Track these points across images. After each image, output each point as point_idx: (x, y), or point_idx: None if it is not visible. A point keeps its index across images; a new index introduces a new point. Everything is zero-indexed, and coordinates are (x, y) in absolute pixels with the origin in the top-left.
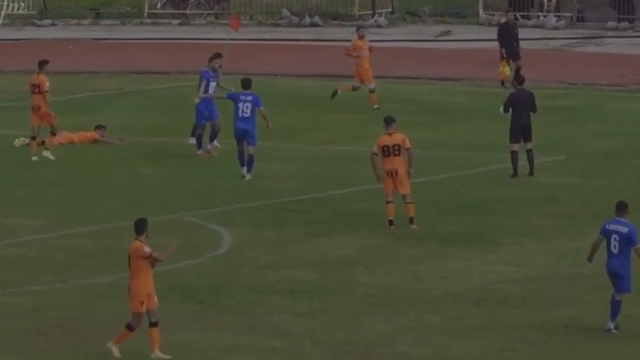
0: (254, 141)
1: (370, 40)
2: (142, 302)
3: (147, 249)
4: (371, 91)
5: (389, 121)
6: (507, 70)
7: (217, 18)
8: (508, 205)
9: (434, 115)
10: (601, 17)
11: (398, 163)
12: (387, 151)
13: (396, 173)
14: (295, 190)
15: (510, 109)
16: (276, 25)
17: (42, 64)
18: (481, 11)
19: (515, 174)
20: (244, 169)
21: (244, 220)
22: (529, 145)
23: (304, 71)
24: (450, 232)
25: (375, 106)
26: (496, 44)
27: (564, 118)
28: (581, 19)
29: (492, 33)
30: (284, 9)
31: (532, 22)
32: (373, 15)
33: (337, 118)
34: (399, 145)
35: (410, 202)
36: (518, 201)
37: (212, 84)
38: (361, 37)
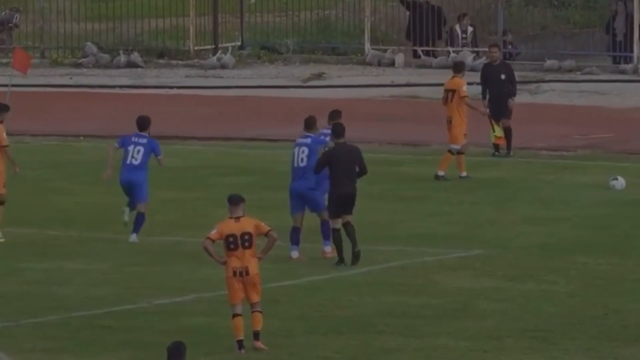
0: (143, 196)
1: (212, 87)
2: None
3: None
4: (456, 154)
5: (235, 201)
6: (498, 131)
7: None
8: (405, 319)
9: None
10: (538, 53)
11: (249, 259)
12: (234, 243)
13: (246, 273)
14: (105, 299)
15: (329, 173)
16: (78, 65)
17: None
18: (367, 45)
19: (341, 261)
20: (133, 235)
21: (34, 342)
22: (349, 218)
23: (118, 130)
24: (324, 357)
25: (442, 173)
26: (396, 91)
27: (485, 197)
28: (509, 57)
29: (382, 76)
30: (89, 43)
31: (440, 61)
32: (215, 51)
33: (165, 198)
34: (250, 235)
35: (258, 311)
36: (419, 314)
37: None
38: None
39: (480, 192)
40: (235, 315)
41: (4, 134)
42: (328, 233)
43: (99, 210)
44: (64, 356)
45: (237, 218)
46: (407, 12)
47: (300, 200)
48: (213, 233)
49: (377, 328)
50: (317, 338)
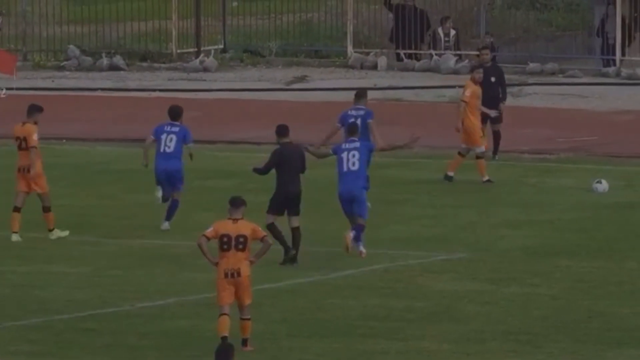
0: (178, 186)
1: (195, 90)
2: None
3: None
4: (480, 157)
5: (236, 203)
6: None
7: None
8: (388, 322)
9: None
10: (520, 56)
11: (241, 261)
12: (227, 243)
13: (238, 274)
14: (88, 302)
15: (276, 172)
16: (60, 68)
17: (33, 110)
18: (350, 48)
19: (288, 249)
20: (165, 223)
21: (16, 345)
22: (296, 222)
23: (100, 133)
24: None
25: (486, 178)
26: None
27: (468, 200)
28: (492, 59)
29: (365, 79)
30: (72, 46)
31: (423, 64)
32: (198, 54)
33: (148, 201)
34: (245, 238)
35: (247, 319)
36: (403, 317)
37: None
38: (478, 78)
39: (463, 195)
40: (222, 315)
41: (35, 135)
42: (359, 234)
43: (81, 213)
44: (46, 359)
45: (235, 220)
46: (390, 15)
47: (350, 204)
48: (209, 231)
49: (361, 331)
50: (301, 341)
